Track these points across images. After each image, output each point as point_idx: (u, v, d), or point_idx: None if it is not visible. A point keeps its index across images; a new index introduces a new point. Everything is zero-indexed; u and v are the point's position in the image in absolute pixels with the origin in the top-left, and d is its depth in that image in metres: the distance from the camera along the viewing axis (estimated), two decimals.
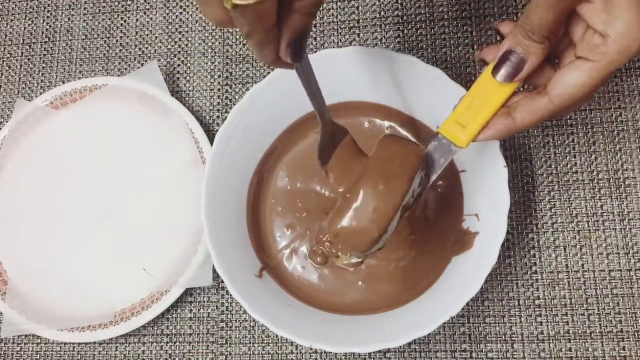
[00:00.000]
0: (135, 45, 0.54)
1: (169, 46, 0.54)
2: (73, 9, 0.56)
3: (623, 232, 0.45)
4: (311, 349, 0.46)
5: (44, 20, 0.56)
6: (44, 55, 0.55)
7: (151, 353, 0.48)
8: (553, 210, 0.46)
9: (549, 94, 0.31)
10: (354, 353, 0.46)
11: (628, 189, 0.46)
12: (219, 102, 0.52)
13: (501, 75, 0.32)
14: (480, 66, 0.49)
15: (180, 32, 0.54)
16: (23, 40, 0.56)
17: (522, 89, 0.34)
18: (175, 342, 0.48)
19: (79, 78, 0.54)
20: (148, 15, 0.55)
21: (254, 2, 0.29)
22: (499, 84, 0.32)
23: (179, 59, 0.54)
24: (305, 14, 0.31)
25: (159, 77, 0.51)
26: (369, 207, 0.35)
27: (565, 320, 0.44)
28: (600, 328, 0.44)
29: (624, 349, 0.43)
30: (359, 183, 0.36)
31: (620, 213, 0.45)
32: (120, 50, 0.55)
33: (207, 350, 0.47)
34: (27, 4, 0.57)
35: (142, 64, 0.54)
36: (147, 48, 0.54)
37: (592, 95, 0.32)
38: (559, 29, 0.31)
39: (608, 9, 0.29)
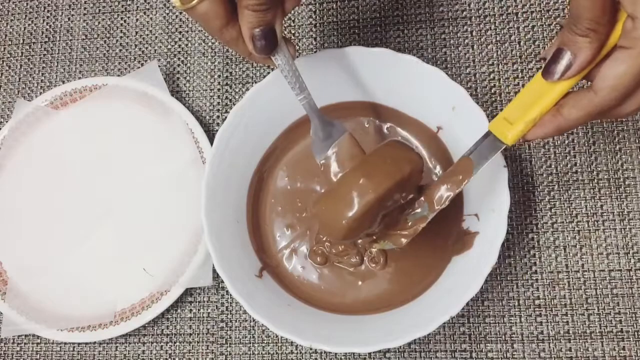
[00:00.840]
0: (135, 45, 0.54)
1: (169, 46, 0.54)
2: (73, 9, 0.56)
3: (623, 232, 0.45)
4: (311, 349, 0.46)
5: (44, 20, 0.56)
6: (44, 55, 0.56)
7: (151, 353, 0.48)
8: (553, 210, 0.46)
9: (594, 88, 0.30)
10: (354, 353, 0.46)
11: (628, 189, 0.46)
12: (219, 102, 0.52)
13: (551, 74, 0.31)
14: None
15: (180, 32, 0.54)
16: (23, 40, 0.56)
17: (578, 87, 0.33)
18: (175, 342, 0.48)
19: (79, 78, 0.54)
20: (148, 15, 0.55)
21: (190, 6, 0.31)
22: (552, 83, 0.31)
23: (179, 59, 0.54)
24: (254, 10, 0.32)
25: (159, 77, 0.51)
26: (344, 197, 0.35)
27: (565, 320, 0.44)
28: (600, 328, 0.44)
29: (624, 349, 0.43)
30: (345, 173, 0.37)
31: (620, 213, 0.46)
32: (120, 50, 0.55)
33: (207, 350, 0.47)
34: (27, 4, 0.57)
35: (142, 64, 0.54)
36: (147, 48, 0.54)
37: (637, 84, 0.29)
38: (603, 21, 0.28)
39: None
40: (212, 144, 0.43)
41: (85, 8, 0.56)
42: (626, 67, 0.28)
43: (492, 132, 0.34)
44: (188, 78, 0.53)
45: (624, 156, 0.46)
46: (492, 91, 0.49)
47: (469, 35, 0.50)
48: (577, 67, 0.30)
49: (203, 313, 0.48)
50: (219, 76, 0.53)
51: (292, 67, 0.37)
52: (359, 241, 0.45)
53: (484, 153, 0.35)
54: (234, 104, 0.44)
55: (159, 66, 0.51)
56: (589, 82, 0.31)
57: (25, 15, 0.57)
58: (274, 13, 0.34)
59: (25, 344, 0.50)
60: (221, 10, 0.32)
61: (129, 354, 0.48)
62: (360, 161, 0.38)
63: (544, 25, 0.49)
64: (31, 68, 0.55)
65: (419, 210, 0.39)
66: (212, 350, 0.47)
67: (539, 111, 0.32)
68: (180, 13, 0.54)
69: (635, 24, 0.27)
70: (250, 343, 0.47)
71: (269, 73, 0.44)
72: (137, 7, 0.55)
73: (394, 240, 0.40)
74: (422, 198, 0.38)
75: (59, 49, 0.55)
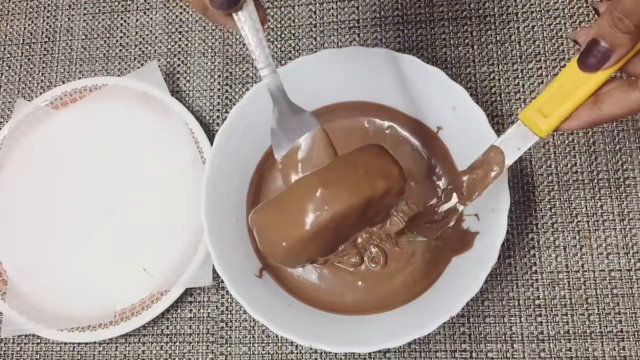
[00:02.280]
0: (135, 45, 0.54)
1: (169, 46, 0.54)
2: (73, 9, 0.56)
3: (623, 232, 0.45)
4: (311, 349, 0.46)
5: (44, 20, 0.56)
6: (44, 55, 0.55)
7: (151, 353, 0.48)
8: (553, 210, 0.46)
9: None
10: (354, 353, 0.46)
11: (628, 189, 0.46)
12: (219, 102, 0.52)
13: (586, 66, 0.30)
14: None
15: (180, 32, 0.54)
16: (23, 40, 0.56)
17: (615, 77, 0.32)
18: (175, 342, 0.48)
19: (79, 78, 0.54)
20: (148, 15, 0.55)
21: None
22: (588, 74, 0.30)
23: (179, 59, 0.54)
24: None
25: (159, 77, 0.51)
26: (292, 210, 0.28)
27: (565, 320, 0.44)
28: (600, 328, 0.44)
29: (624, 349, 0.43)
30: (300, 177, 0.29)
31: (620, 213, 0.45)
32: (120, 50, 0.55)
33: (207, 350, 0.47)
34: (27, 4, 0.57)
35: (142, 64, 0.54)
36: (147, 48, 0.54)
37: None
38: None
39: None
40: (212, 144, 0.43)
41: (85, 8, 0.56)
42: None
43: (523, 123, 0.33)
44: (188, 78, 0.53)
45: (624, 156, 0.46)
46: (492, 91, 0.49)
47: (469, 35, 0.50)
48: (613, 61, 0.29)
49: (203, 313, 0.48)
50: (219, 76, 0.53)
51: (258, 34, 0.30)
52: (359, 241, 0.45)
53: (516, 143, 0.34)
54: (234, 104, 0.44)
55: (159, 66, 0.51)
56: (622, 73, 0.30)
57: (25, 15, 0.57)
58: None
59: (25, 344, 0.50)
60: None
61: (129, 354, 0.48)
62: (326, 165, 0.30)
63: (544, 25, 0.49)
64: (31, 68, 0.55)
65: (449, 202, 0.37)
66: (212, 350, 0.47)
67: (575, 103, 0.31)
68: (180, 13, 0.55)
69: None
70: (250, 343, 0.47)
71: None
72: (137, 7, 0.55)
73: (424, 233, 0.37)
74: (451, 189, 0.36)
75: (59, 49, 0.55)
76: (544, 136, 0.32)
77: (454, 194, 0.37)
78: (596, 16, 0.31)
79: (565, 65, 0.32)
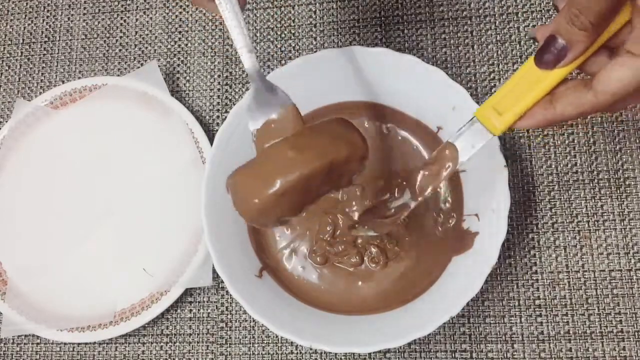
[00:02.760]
0: (135, 45, 0.54)
1: (169, 46, 0.54)
2: (73, 9, 0.56)
3: (623, 232, 0.45)
4: (311, 349, 0.46)
5: (43, 20, 0.56)
6: (44, 55, 0.55)
7: (151, 353, 0.48)
8: (553, 210, 0.46)
9: (594, 89, 0.29)
10: (354, 353, 0.46)
11: (628, 189, 0.46)
12: (219, 102, 0.52)
13: (542, 63, 0.29)
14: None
15: (180, 32, 0.54)
16: (23, 40, 0.56)
17: (571, 77, 0.32)
18: (175, 342, 0.48)
19: (79, 78, 0.54)
20: (148, 15, 0.55)
21: None
22: (545, 72, 0.30)
23: (179, 59, 0.54)
24: None
25: (159, 77, 0.51)
26: (264, 171, 0.31)
27: (565, 321, 0.44)
28: (601, 328, 0.44)
29: (624, 349, 0.43)
30: (273, 143, 0.32)
31: (621, 213, 0.45)
32: (120, 50, 0.55)
33: (207, 351, 0.47)
34: (27, 3, 0.57)
35: (142, 64, 0.54)
36: (147, 48, 0.54)
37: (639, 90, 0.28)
38: (609, 16, 0.28)
39: None
40: (212, 144, 0.43)
41: (85, 8, 0.56)
42: (632, 75, 0.27)
43: (479, 120, 0.33)
44: (188, 78, 0.53)
45: (624, 156, 0.46)
46: (492, 91, 0.49)
47: (469, 35, 0.50)
48: (571, 58, 0.29)
49: (203, 313, 0.48)
50: (219, 76, 0.53)
51: (237, 16, 0.33)
52: (359, 241, 0.45)
53: (470, 141, 0.33)
54: (234, 104, 0.44)
55: (159, 66, 0.51)
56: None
57: (25, 15, 0.57)
58: None
59: (25, 344, 0.50)
60: None
61: (128, 354, 0.48)
62: (295, 132, 0.33)
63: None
64: (31, 68, 0.55)
65: (401, 198, 0.37)
66: (212, 350, 0.47)
67: (530, 102, 0.31)
68: (180, 13, 0.55)
69: None
70: (250, 343, 0.47)
71: (269, 73, 0.44)
72: (137, 7, 0.55)
73: (375, 228, 0.38)
74: (404, 184, 0.36)
75: (58, 49, 0.55)
76: (497, 134, 0.32)
77: (407, 190, 0.37)
78: (556, 12, 0.31)
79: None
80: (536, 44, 0.33)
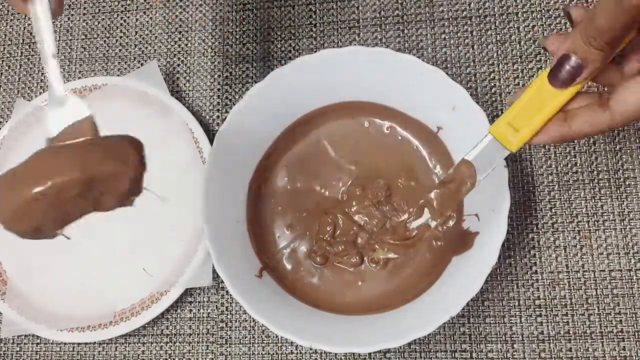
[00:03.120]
0: (135, 45, 0.54)
1: (169, 46, 0.54)
2: (73, 9, 0.56)
3: (623, 232, 0.45)
4: (311, 349, 0.46)
5: None
6: None
7: (151, 353, 0.48)
8: (553, 210, 0.46)
9: (612, 110, 0.29)
10: (354, 353, 0.46)
11: (628, 189, 0.46)
12: (219, 102, 0.52)
13: (557, 81, 0.30)
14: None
15: (180, 32, 0.54)
16: (23, 40, 0.56)
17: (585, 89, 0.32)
18: (175, 342, 0.48)
19: (79, 78, 0.54)
20: (148, 15, 0.55)
21: None
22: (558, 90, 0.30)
23: (179, 59, 0.54)
24: None
25: (159, 77, 0.51)
26: (19, 175, 0.31)
27: (565, 321, 0.44)
28: (601, 328, 0.44)
29: (624, 349, 0.43)
30: (40, 149, 0.32)
31: (621, 213, 0.45)
32: (120, 50, 0.55)
33: (207, 350, 0.47)
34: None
35: (142, 64, 0.54)
36: (147, 48, 0.54)
37: None
38: (624, 37, 0.28)
39: None
40: (212, 144, 0.43)
41: (85, 8, 0.56)
42: None
43: (494, 137, 0.33)
44: (188, 78, 0.53)
45: (624, 156, 0.46)
46: (492, 91, 0.49)
47: (469, 35, 0.50)
48: (585, 77, 0.29)
49: (203, 313, 0.48)
50: (219, 76, 0.53)
51: (48, 22, 0.34)
52: (359, 240, 0.45)
53: (487, 158, 0.34)
54: (234, 104, 0.44)
55: (159, 66, 0.51)
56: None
57: (25, 15, 0.57)
58: None
59: (25, 344, 0.50)
60: None
61: (128, 354, 0.48)
62: (72, 142, 0.32)
63: (544, 25, 0.49)
64: (31, 68, 0.55)
65: (421, 218, 0.37)
66: (212, 350, 0.47)
67: (545, 118, 0.31)
68: (180, 13, 0.55)
69: None
70: (250, 343, 0.47)
71: (268, 73, 0.44)
72: (137, 7, 0.55)
73: (396, 250, 0.40)
74: (422, 204, 0.37)
75: (58, 49, 0.55)
76: (514, 150, 0.33)
77: (426, 209, 0.37)
78: (568, 23, 0.31)
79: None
80: (548, 56, 0.33)
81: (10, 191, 0.31)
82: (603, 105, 0.30)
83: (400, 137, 0.47)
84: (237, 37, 0.53)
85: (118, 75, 0.54)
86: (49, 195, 0.30)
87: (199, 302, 0.48)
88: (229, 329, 0.48)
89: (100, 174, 0.31)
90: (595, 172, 0.46)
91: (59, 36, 0.56)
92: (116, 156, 0.32)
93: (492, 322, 0.45)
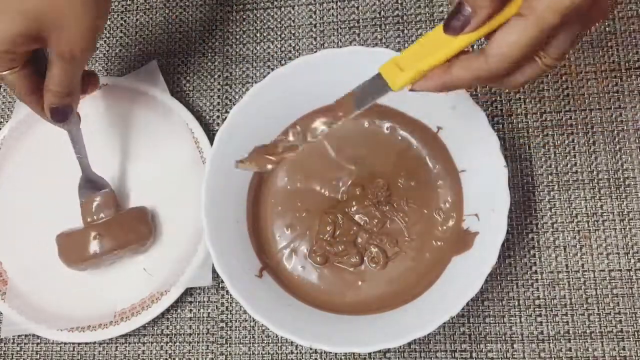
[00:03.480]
0: (135, 45, 0.54)
1: (169, 46, 0.54)
2: None
3: (623, 232, 0.45)
4: (311, 349, 0.46)
5: None
6: None
7: (151, 353, 0.48)
8: (553, 210, 0.46)
9: (485, 53, 0.29)
10: (354, 353, 0.46)
11: (628, 189, 0.46)
12: (219, 102, 0.52)
13: (449, 28, 0.30)
14: None
15: (180, 32, 0.54)
16: None
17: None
18: (175, 342, 0.48)
19: None
20: (148, 15, 0.55)
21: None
22: (451, 38, 0.31)
23: (179, 59, 0.54)
24: (55, 94, 0.39)
25: (159, 77, 0.51)
26: (79, 242, 0.47)
27: (565, 320, 0.44)
28: (601, 328, 0.44)
29: (624, 349, 0.43)
30: (92, 223, 0.48)
31: (620, 213, 0.45)
32: (120, 50, 0.55)
33: (207, 350, 0.47)
34: None
35: (142, 64, 0.54)
36: (147, 48, 0.54)
37: (527, 55, 0.29)
38: None
39: None
40: (212, 144, 0.43)
41: None
42: (518, 36, 0.28)
43: (381, 75, 0.33)
44: (188, 78, 0.53)
45: (624, 156, 0.46)
46: (492, 91, 0.49)
47: None
48: (474, 25, 0.29)
49: (203, 313, 0.48)
50: (219, 76, 0.53)
51: (78, 133, 0.46)
52: (359, 240, 0.45)
53: (369, 93, 0.34)
54: (234, 104, 0.44)
55: (159, 66, 0.51)
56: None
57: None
58: (72, 98, 0.41)
59: (25, 344, 0.50)
60: (25, 83, 0.39)
61: (129, 354, 0.48)
62: (107, 219, 0.47)
63: None
64: None
65: (291, 138, 0.37)
66: (212, 350, 0.47)
67: (431, 63, 0.31)
68: (180, 13, 0.55)
69: None
70: (250, 343, 0.47)
71: (269, 73, 0.44)
72: (137, 7, 0.55)
73: (259, 164, 0.38)
74: (298, 126, 0.37)
75: None
76: (396, 90, 0.32)
77: (300, 133, 0.38)
78: None
79: None
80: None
81: (72, 251, 0.47)
82: (482, 51, 0.30)
83: (400, 137, 0.47)
84: (237, 37, 0.53)
85: (118, 75, 0.54)
86: (99, 258, 0.47)
87: (199, 302, 0.48)
88: (229, 328, 0.48)
89: (127, 242, 0.47)
90: (595, 172, 0.46)
91: None
92: (134, 230, 0.47)
93: (492, 322, 0.45)
